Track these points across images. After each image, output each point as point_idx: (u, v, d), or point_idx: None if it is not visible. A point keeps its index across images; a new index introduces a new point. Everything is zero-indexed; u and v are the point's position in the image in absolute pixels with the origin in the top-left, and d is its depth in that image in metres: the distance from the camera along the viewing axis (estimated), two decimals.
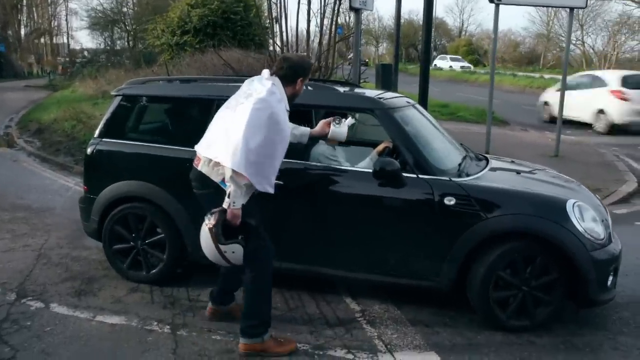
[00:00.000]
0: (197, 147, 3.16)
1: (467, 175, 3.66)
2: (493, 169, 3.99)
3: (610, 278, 3.47)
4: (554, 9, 37.95)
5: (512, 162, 4.59)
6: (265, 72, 3.12)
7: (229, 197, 2.86)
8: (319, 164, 3.76)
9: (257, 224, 3.07)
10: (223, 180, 2.96)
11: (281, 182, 3.61)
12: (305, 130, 3.56)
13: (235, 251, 2.95)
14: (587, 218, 3.42)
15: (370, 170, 3.53)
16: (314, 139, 3.68)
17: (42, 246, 4.87)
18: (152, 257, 4.03)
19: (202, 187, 3.11)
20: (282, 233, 3.76)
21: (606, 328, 3.58)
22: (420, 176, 3.51)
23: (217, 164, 2.96)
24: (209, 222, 2.91)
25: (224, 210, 2.89)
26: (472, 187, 3.49)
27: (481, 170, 3.85)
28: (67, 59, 38.64)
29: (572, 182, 4.21)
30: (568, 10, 9.69)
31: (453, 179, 3.52)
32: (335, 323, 3.54)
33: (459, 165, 3.80)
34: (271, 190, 2.98)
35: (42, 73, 39.00)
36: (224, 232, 2.90)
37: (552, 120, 14.06)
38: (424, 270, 3.55)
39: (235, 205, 2.87)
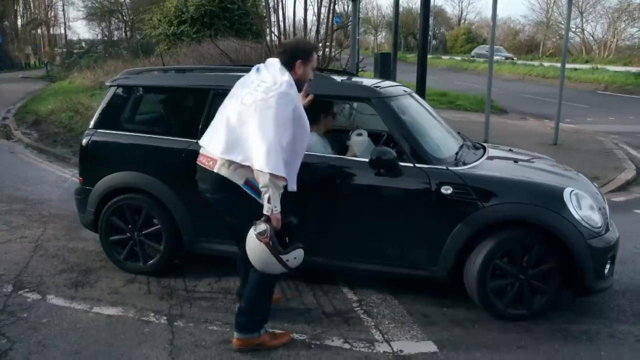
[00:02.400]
0: (207, 146, 2.98)
1: (465, 164, 3.64)
2: (490, 158, 3.97)
3: (608, 266, 3.46)
4: None
5: (510, 150, 4.57)
6: (275, 61, 2.96)
7: (269, 202, 2.71)
8: (313, 153, 3.74)
9: (297, 221, 2.95)
10: (245, 183, 2.85)
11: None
12: None
13: (297, 256, 2.84)
14: (584, 206, 3.41)
15: (367, 160, 3.51)
16: None
17: (38, 238, 4.87)
18: (148, 248, 4.02)
19: (218, 190, 2.93)
20: None
21: (603, 316, 3.58)
22: (417, 165, 3.49)
23: (240, 165, 2.81)
24: (261, 236, 2.73)
25: (268, 219, 2.74)
26: (469, 175, 3.48)
27: (478, 159, 3.83)
28: (65, 50, 38.42)
29: (569, 171, 4.19)
30: None
31: (450, 167, 3.51)
32: (332, 313, 3.53)
33: (456, 154, 3.78)
34: (295, 188, 2.88)
35: (40, 64, 38.83)
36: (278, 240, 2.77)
37: None
38: (421, 259, 3.54)
39: (277, 210, 2.74)
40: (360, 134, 4.00)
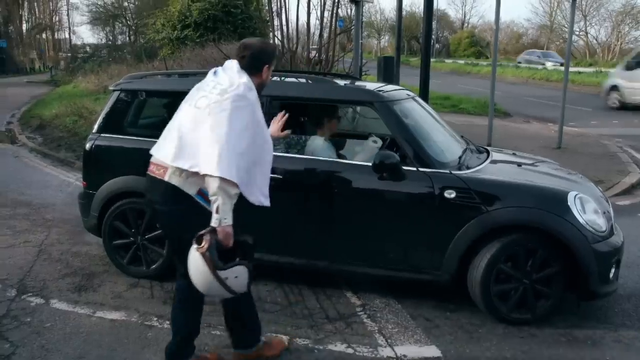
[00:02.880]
0: (156, 153, 2.68)
1: (468, 168, 3.63)
2: (494, 162, 3.96)
3: (612, 270, 3.44)
4: None
5: (514, 154, 4.56)
6: (234, 63, 2.70)
7: (217, 212, 2.40)
8: (317, 157, 3.74)
9: (253, 241, 2.64)
10: (198, 193, 2.54)
11: (279, 176, 3.61)
12: None
13: (238, 275, 2.48)
14: (588, 210, 3.40)
15: (370, 164, 3.50)
16: None
17: (42, 242, 4.87)
18: (151, 252, 4.02)
19: (168, 201, 2.60)
20: (280, 228, 3.75)
21: (608, 321, 3.56)
22: (420, 169, 3.49)
23: (193, 173, 2.50)
24: (199, 247, 2.40)
25: (214, 230, 2.43)
26: (472, 179, 3.47)
27: (482, 163, 3.82)
28: (69, 54, 38.61)
29: (573, 174, 4.17)
30: (571, 0, 9.61)
31: (453, 171, 3.50)
32: (335, 317, 3.52)
33: (460, 157, 3.77)
34: (267, 203, 2.65)
35: (44, 68, 39.01)
36: (220, 257, 2.42)
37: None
38: (424, 263, 3.53)
39: (227, 222, 2.42)
40: (375, 141, 4.02)
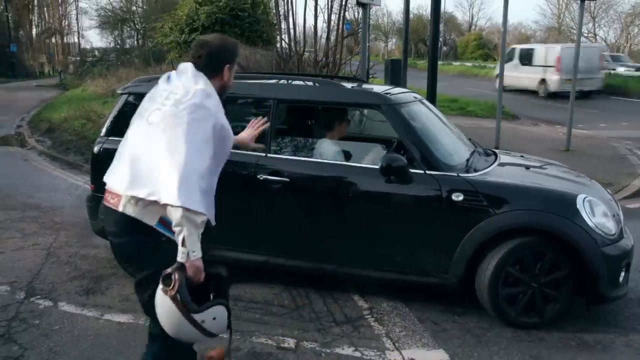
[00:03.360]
0: (109, 180, 2.31)
1: (476, 170, 3.61)
2: (502, 164, 3.94)
3: (622, 274, 3.41)
4: (565, 1, 37.59)
5: (522, 157, 4.54)
6: (188, 66, 2.33)
7: (184, 245, 2.04)
8: (324, 160, 3.74)
9: (228, 273, 2.29)
10: (160, 222, 2.16)
11: (286, 179, 3.61)
12: None
13: (217, 316, 2.14)
14: (597, 213, 3.37)
15: (377, 167, 3.49)
16: (236, 147, 2.74)
17: (51, 245, 4.90)
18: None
19: (126, 233, 2.23)
20: (287, 231, 3.75)
21: (618, 325, 3.52)
22: (427, 172, 3.48)
23: (150, 201, 2.12)
24: (166, 288, 2.06)
25: (182, 266, 2.07)
26: (480, 182, 3.45)
27: (490, 166, 3.80)
28: (78, 58, 38.91)
29: (582, 177, 4.15)
30: (579, 2, 9.56)
31: (461, 174, 3.48)
32: (342, 321, 3.51)
33: (467, 160, 3.76)
34: (213, 222, 2.21)
35: (54, 72, 39.32)
36: (192, 295, 2.08)
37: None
38: (432, 267, 3.51)
39: (195, 255, 2.07)
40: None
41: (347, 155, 3.92)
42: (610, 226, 3.37)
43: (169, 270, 2.07)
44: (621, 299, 3.59)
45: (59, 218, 5.74)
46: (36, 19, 46.03)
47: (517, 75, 20.78)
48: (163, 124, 2.15)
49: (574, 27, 39.23)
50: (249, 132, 2.82)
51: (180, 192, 2.01)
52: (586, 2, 9.74)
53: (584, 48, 16.94)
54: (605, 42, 42.66)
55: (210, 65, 2.33)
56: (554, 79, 19.30)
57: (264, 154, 3.71)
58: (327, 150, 3.83)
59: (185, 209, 2.01)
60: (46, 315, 3.54)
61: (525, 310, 3.41)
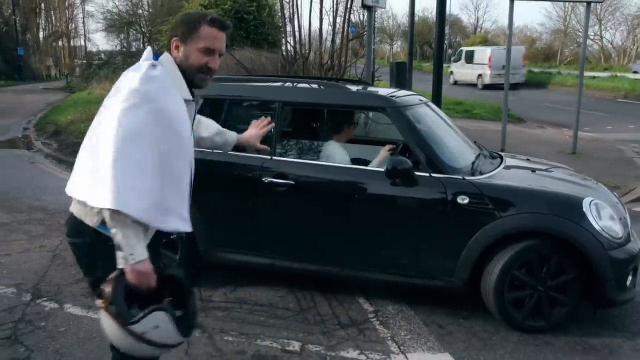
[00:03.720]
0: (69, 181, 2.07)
1: (481, 173, 3.60)
2: (508, 167, 3.93)
3: (629, 278, 3.39)
4: (571, 3, 37.47)
5: (528, 159, 4.52)
6: (146, 51, 2.06)
7: (120, 249, 1.82)
8: (329, 163, 3.74)
9: (184, 274, 2.07)
10: (102, 223, 1.92)
11: (292, 182, 3.61)
12: (230, 136, 2.58)
13: (159, 324, 1.85)
14: (604, 216, 3.35)
15: (382, 169, 3.49)
16: (241, 148, 2.71)
17: (57, 247, 4.92)
18: (165, 257, 4.03)
19: (75, 233, 2.05)
20: (292, 233, 3.75)
21: (626, 329, 3.50)
22: (432, 175, 3.47)
23: None
24: (99, 299, 1.85)
25: (122, 273, 1.85)
26: (485, 185, 3.44)
27: (495, 169, 3.79)
28: (84, 61, 39.14)
29: (589, 180, 4.13)
30: (585, 4, 9.53)
31: (466, 177, 3.47)
32: (347, 324, 3.51)
33: (473, 163, 3.75)
34: (186, 228, 1.97)
35: (60, 75, 39.55)
36: (131, 303, 1.84)
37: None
38: (437, 270, 3.50)
39: (135, 258, 1.82)
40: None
41: (354, 158, 3.92)
42: (617, 229, 3.35)
43: (109, 277, 1.87)
44: (628, 303, 3.56)
45: (65, 220, 5.75)
46: (43, 22, 46.34)
47: (463, 71, 27.22)
48: (101, 117, 1.94)
49: (580, 30, 39.09)
50: (255, 132, 2.64)
51: (105, 192, 1.78)
52: (592, 4, 9.71)
53: (512, 49, 19.49)
54: (611, 44, 42.52)
55: (167, 43, 2.09)
56: (487, 74, 24.96)
57: (269, 157, 3.71)
58: (334, 153, 3.83)
59: (113, 212, 1.78)
60: (52, 317, 3.55)
61: (532, 313, 3.39)
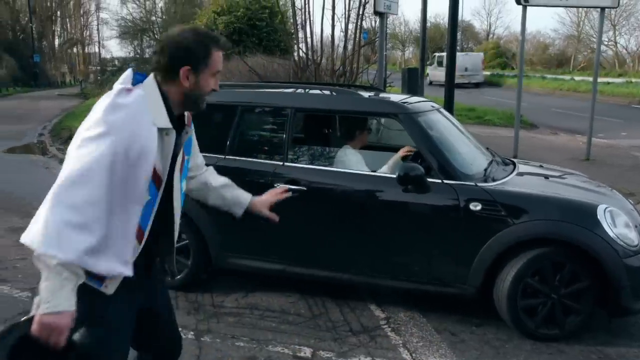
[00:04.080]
0: None
1: (494, 180, 3.58)
2: (520, 174, 3.90)
3: None
4: (585, 9, 37.26)
5: (541, 166, 4.49)
6: (125, 74, 1.79)
7: (38, 293, 1.59)
8: (340, 169, 3.75)
9: (91, 342, 1.67)
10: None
11: (303, 188, 3.62)
12: (243, 197, 2.21)
13: None
14: (619, 224, 3.32)
15: (394, 176, 3.49)
16: (251, 214, 2.25)
17: None
18: (176, 263, 4.04)
19: None
20: (304, 239, 3.75)
21: None
22: (445, 181, 3.46)
23: None
24: None
25: (29, 320, 1.58)
26: (498, 192, 3.42)
27: (508, 175, 3.77)
28: (98, 68, 39.61)
29: (603, 187, 4.08)
30: (599, 10, 9.47)
31: (479, 184, 3.46)
32: (359, 330, 3.50)
33: (485, 170, 3.73)
34: (126, 272, 1.69)
35: (75, 82, 40.05)
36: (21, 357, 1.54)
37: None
38: (449, 276, 3.48)
39: (51, 307, 1.54)
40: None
41: (369, 164, 3.92)
42: (632, 237, 3.31)
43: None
44: None
45: None
46: (59, 29, 47.06)
47: (436, 73, 29.02)
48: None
49: (594, 36, 38.81)
50: (266, 198, 2.26)
51: (34, 229, 1.59)
52: (607, 10, 9.65)
53: (471, 55, 32.48)
54: (626, 50, 42.14)
55: (169, 67, 1.76)
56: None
57: (281, 163, 3.73)
58: (350, 159, 3.83)
59: (41, 254, 1.56)
60: None
61: (545, 321, 3.36)
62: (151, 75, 1.79)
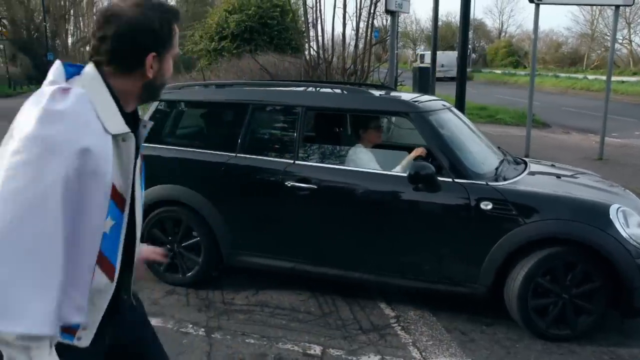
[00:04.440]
0: None
1: (505, 179, 3.57)
2: (532, 173, 3.88)
3: None
4: (599, 7, 36.87)
5: (553, 165, 4.46)
6: (54, 67, 1.33)
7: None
8: (351, 167, 3.75)
9: None
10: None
11: (314, 186, 3.63)
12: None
13: None
14: (632, 224, 3.29)
15: (405, 174, 3.48)
16: None
17: None
18: (188, 260, 4.08)
19: None
20: (314, 237, 3.76)
21: None
22: (456, 180, 3.45)
23: None
24: None
25: None
26: (509, 191, 3.40)
27: (519, 174, 3.75)
28: None
29: (616, 187, 4.05)
30: (613, 8, 9.37)
31: (490, 183, 3.44)
32: (369, 328, 3.50)
33: (496, 169, 3.72)
34: (79, 318, 1.30)
35: None
36: None
37: None
38: (460, 276, 3.48)
39: None
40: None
41: (380, 163, 3.92)
42: None
43: None
44: None
45: None
46: (72, 28, 47.43)
47: None
48: None
49: (608, 34, 38.41)
50: (147, 254, 1.83)
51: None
52: (621, 7, 9.55)
53: (449, 54, 34.36)
54: None
55: (125, 55, 1.34)
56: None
57: (292, 161, 3.74)
58: (360, 157, 3.84)
59: (22, 337, 1.16)
60: None
61: (556, 322, 3.34)
62: (90, 66, 1.36)
